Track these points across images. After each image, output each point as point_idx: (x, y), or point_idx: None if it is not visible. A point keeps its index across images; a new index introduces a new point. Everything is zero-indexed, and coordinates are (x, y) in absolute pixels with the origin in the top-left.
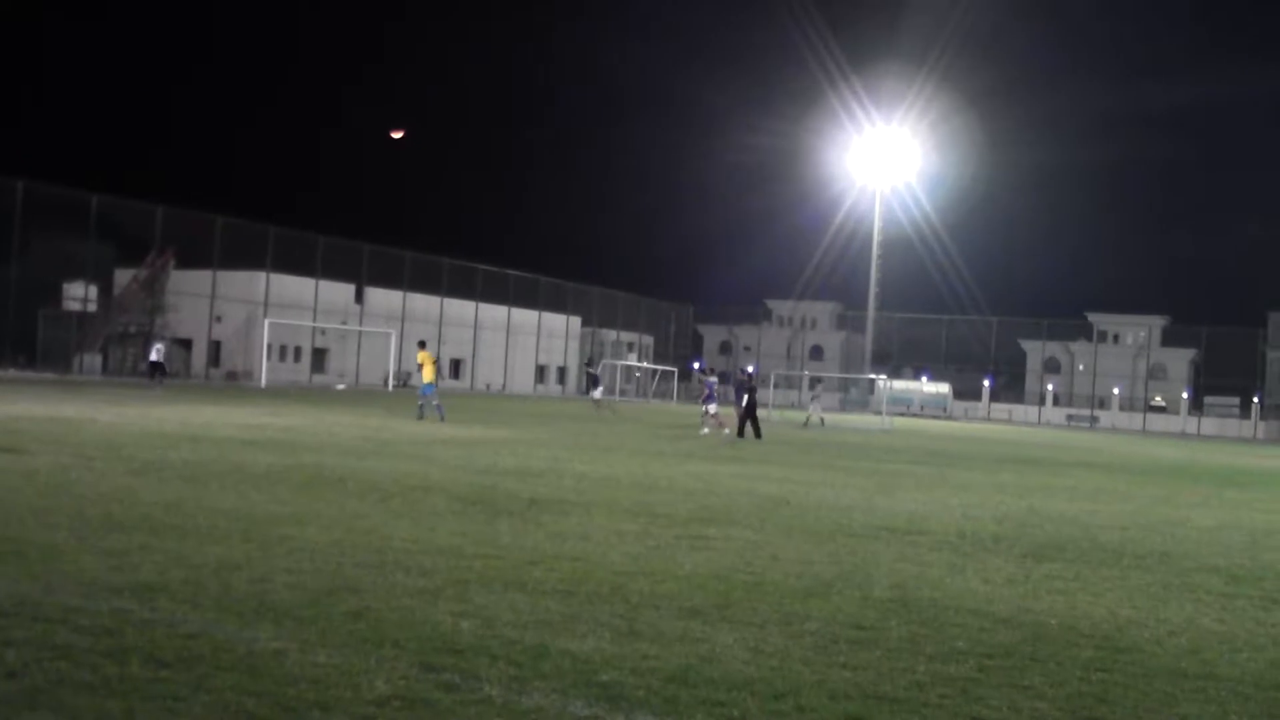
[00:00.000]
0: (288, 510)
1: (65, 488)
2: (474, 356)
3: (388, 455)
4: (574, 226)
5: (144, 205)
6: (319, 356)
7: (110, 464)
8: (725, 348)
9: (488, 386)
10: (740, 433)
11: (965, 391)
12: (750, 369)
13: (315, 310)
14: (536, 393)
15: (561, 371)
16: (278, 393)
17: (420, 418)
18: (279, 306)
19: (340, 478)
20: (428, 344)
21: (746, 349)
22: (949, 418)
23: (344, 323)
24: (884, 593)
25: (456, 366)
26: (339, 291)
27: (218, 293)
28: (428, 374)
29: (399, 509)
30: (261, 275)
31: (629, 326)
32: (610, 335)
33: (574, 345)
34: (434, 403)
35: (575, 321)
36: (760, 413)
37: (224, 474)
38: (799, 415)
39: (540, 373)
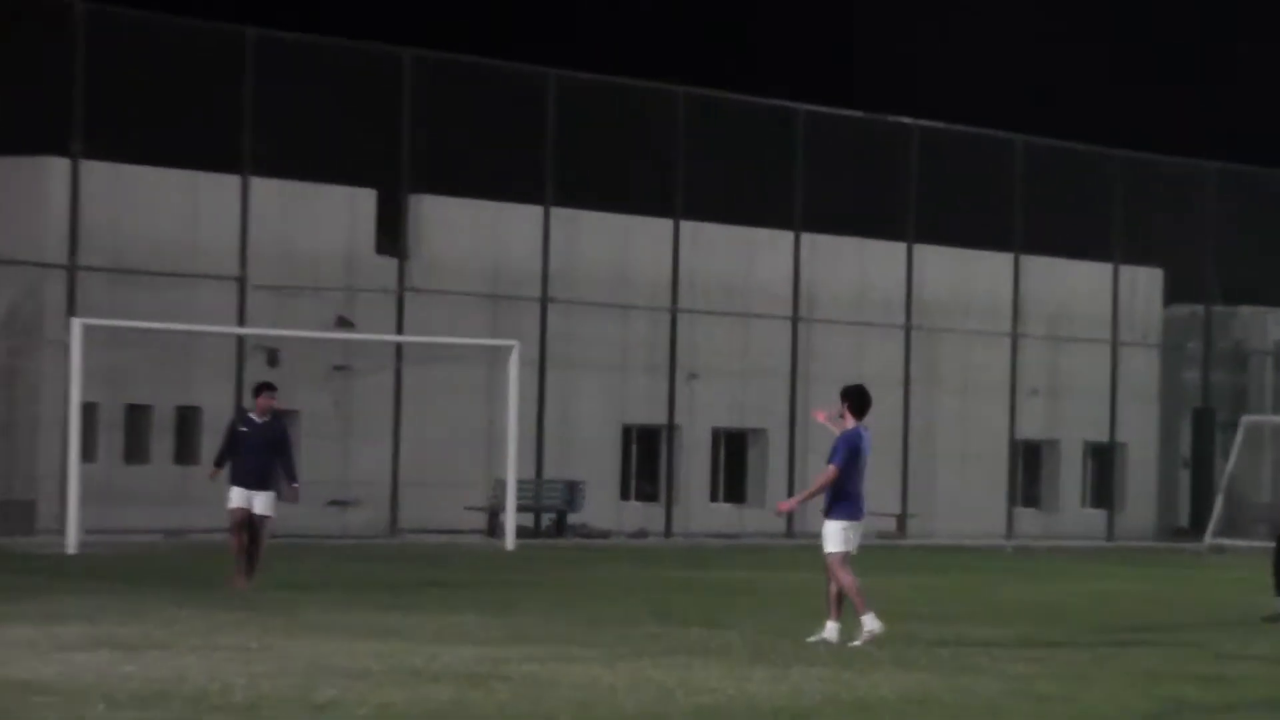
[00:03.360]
0: None
1: None
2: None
3: None
4: None
5: None
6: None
7: None
8: None
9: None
10: None
11: None
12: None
13: (244, 280)
14: (1099, 537)
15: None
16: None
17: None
18: (118, 275)
19: None
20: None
21: None
22: None
23: (347, 323)
24: None
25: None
26: (317, 219)
27: None
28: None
29: None
30: (57, 165)
31: None
32: (1255, 316)
33: (1150, 365)
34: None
35: (1154, 279)
36: None
37: None
38: None
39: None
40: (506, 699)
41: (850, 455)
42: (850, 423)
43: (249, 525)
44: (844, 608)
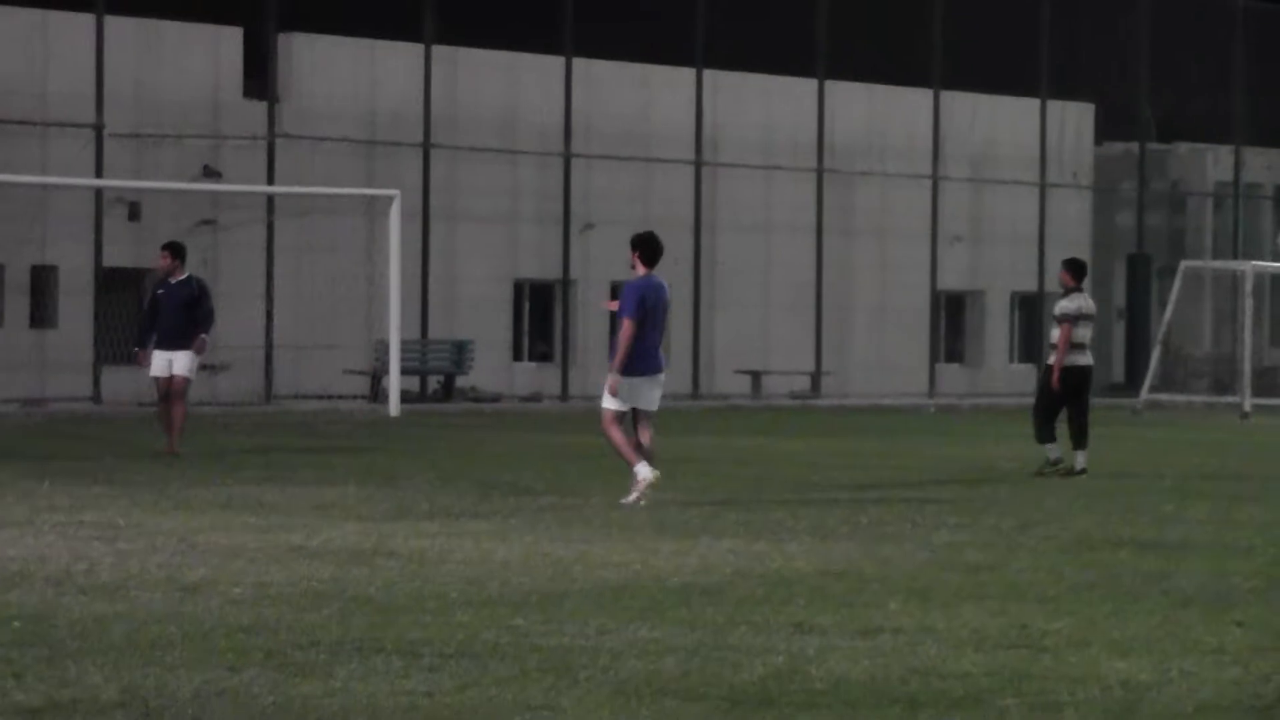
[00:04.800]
0: None
1: None
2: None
3: None
4: None
5: None
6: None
7: None
8: None
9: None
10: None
11: None
12: None
13: (100, 129)
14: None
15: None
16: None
17: None
18: None
19: None
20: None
21: None
22: None
23: (214, 173)
24: None
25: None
26: (179, 61)
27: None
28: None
29: None
30: None
31: None
32: (1193, 154)
33: (1081, 209)
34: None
35: (1085, 115)
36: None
37: None
38: None
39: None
40: (392, 576)
41: (639, 305)
42: (641, 271)
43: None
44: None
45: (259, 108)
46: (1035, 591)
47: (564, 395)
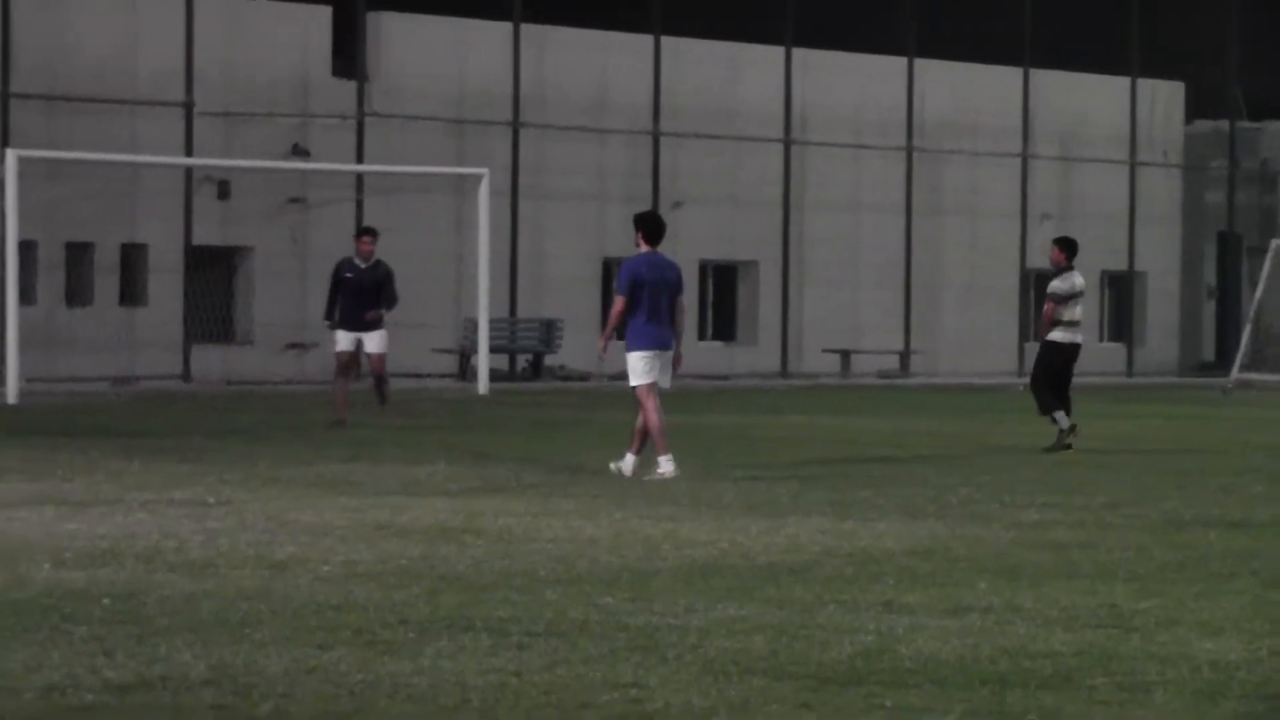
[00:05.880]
0: None
1: None
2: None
3: None
4: None
5: None
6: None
7: None
8: None
9: None
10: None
11: None
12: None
13: (190, 107)
14: None
15: None
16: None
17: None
18: (54, 103)
19: None
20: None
21: None
22: None
23: (303, 151)
24: None
25: None
26: (268, 39)
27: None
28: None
29: None
30: None
31: None
32: None
33: (1171, 187)
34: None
35: (1175, 94)
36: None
37: None
38: None
39: None
40: (481, 554)
41: (632, 282)
42: (644, 249)
43: (356, 365)
44: (647, 442)
45: (348, 86)
46: (1124, 571)
47: None
